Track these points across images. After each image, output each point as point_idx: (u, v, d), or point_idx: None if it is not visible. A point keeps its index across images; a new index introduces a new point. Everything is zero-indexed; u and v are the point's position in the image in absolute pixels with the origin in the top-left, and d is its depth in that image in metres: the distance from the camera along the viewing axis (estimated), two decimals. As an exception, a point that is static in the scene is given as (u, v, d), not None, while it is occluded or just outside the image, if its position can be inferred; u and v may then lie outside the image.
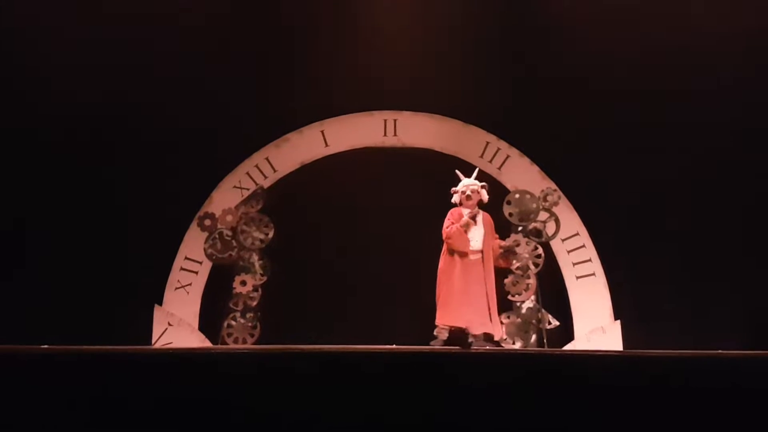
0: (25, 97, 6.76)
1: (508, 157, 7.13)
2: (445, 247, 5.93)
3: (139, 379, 4.23)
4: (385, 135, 7.26)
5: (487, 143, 7.16)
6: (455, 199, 6.15)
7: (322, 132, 7.23)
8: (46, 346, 4.85)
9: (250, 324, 6.68)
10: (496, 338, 5.95)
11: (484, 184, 6.16)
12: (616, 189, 6.99)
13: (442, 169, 7.02)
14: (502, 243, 6.26)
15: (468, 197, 6.07)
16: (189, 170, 6.92)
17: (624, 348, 6.62)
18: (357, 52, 7.15)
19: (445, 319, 5.77)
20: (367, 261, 6.88)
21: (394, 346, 5.52)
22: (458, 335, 5.76)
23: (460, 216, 5.99)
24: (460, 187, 6.16)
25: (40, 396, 4.09)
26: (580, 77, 7.06)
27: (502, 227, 6.41)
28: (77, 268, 6.66)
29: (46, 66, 6.77)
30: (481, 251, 5.92)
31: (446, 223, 5.95)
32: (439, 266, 5.92)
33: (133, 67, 6.87)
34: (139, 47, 6.87)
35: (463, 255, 5.85)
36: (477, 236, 5.94)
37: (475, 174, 6.25)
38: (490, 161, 7.13)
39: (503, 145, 7.16)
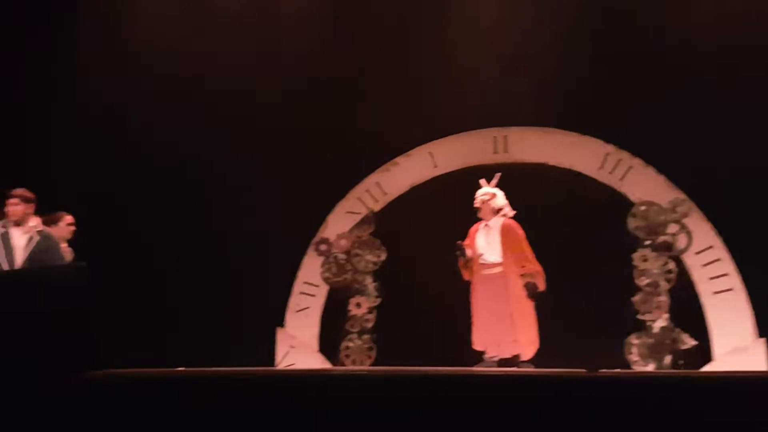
0: (139, 124, 6.50)
1: (630, 167, 6.10)
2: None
3: (269, 400, 3.76)
4: (495, 152, 6.42)
5: (607, 154, 6.16)
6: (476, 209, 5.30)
7: (431, 153, 6.54)
8: (182, 369, 4.55)
9: (366, 345, 6.15)
10: (524, 359, 4.92)
11: (494, 192, 5.24)
12: (753, 195, 5.69)
13: (558, 183, 6.14)
14: (524, 273, 5.05)
15: (478, 209, 5.18)
16: (305, 197, 6.47)
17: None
18: (460, 72, 6.38)
19: (473, 342, 4.96)
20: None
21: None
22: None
23: (474, 233, 5.16)
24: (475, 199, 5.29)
25: (177, 417, 3.70)
26: (703, 76, 5.86)
27: (626, 242, 5.36)
28: (206, 294, 6.38)
29: (155, 88, 6.47)
30: (501, 263, 4.97)
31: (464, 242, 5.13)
32: None
33: (243, 93, 6.41)
34: (245, 72, 6.46)
35: (480, 271, 4.90)
36: (492, 248, 4.95)
37: (494, 181, 5.31)
38: (611, 172, 6.12)
39: (624, 155, 6.12)
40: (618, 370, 4.77)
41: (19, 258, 4.44)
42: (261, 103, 6.42)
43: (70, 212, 5.24)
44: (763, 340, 5.61)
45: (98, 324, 3.60)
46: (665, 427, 3.25)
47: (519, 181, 6.24)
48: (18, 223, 4.44)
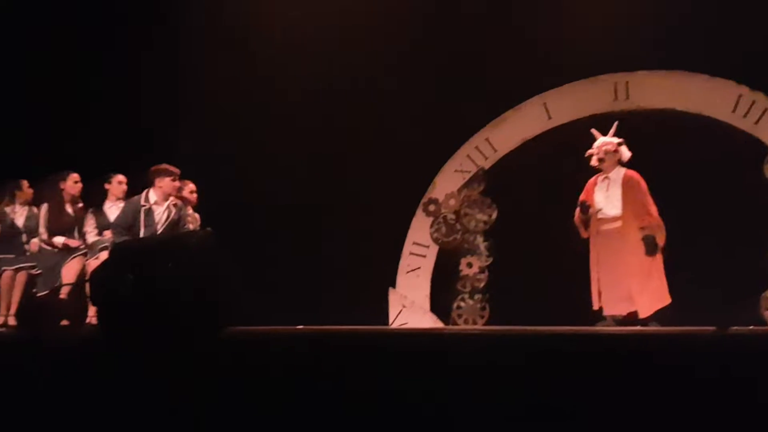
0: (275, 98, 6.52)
1: (766, 110, 5.52)
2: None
3: (385, 358, 3.80)
4: (615, 99, 6.02)
5: (740, 96, 5.61)
6: (593, 162, 4.87)
7: (545, 104, 6.22)
8: (301, 327, 4.71)
9: (479, 305, 6.04)
10: (642, 316, 4.53)
11: (621, 140, 4.83)
12: None
13: (686, 130, 5.68)
14: (644, 226, 4.69)
15: (601, 160, 4.74)
16: (412, 157, 6.37)
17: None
18: (573, 15, 6.00)
19: (593, 301, 4.68)
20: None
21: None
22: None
23: (592, 186, 4.76)
24: (594, 148, 4.84)
25: (296, 374, 3.84)
26: None
27: (758, 188, 4.87)
28: (319, 257, 6.47)
29: (286, 65, 6.43)
30: (620, 217, 4.59)
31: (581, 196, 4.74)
32: None
33: (354, 56, 6.22)
34: (355, 35, 6.36)
35: (598, 226, 4.65)
36: (612, 202, 4.65)
37: (612, 130, 4.87)
38: (744, 116, 5.58)
39: (759, 97, 5.55)
40: (752, 327, 4.36)
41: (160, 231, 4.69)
42: (371, 64, 6.31)
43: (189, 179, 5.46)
44: None
45: (226, 285, 3.74)
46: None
47: (642, 129, 5.83)
48: (165, 199, 4.68)
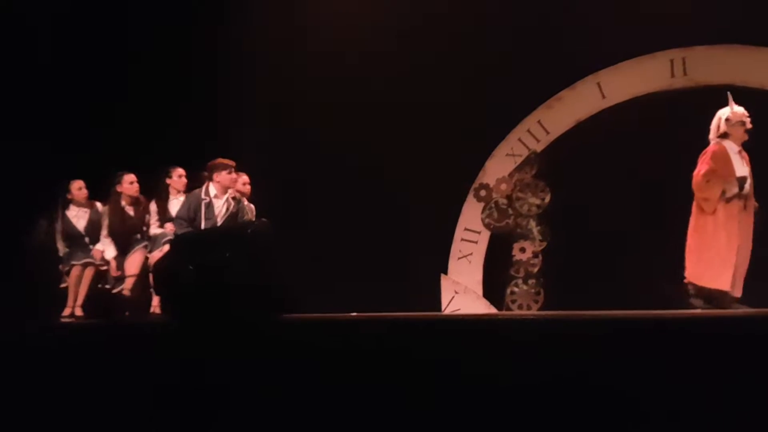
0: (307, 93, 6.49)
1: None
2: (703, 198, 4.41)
3: (437, 343, 3.84)
4: (672, 76, 5.88)
5: (806, 68, 5.40)
6: (724, 128, 4.52)
7: (598, 84, 6.10)
8: (354, 314, 4.77)
9: (533, 290, 6.00)
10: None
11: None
12: None
13: (747, 105, 5.50)
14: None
15: (747, 131, 4.47)
16: (463, 143, 6.35)
17: None
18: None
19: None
20: (651, 222, 5.62)
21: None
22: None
23: (727, 157, 4.40)
24: (737, 115, 4.55)
25: (350, 359, 3.92)
26: None
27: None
28: (370, 244, 6.52)
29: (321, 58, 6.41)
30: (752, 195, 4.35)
31: (703, 167, 4.41)
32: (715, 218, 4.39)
33: (395, 37, 6.16)
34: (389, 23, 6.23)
35: (745, 202, 4.34)
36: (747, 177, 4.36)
37: (731, 101, 4.60)
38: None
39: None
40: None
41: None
42: (425, 49, 6.23)
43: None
44: None
45: (282, 272, 3.84)
46: None
47: (703, 106, 5.68)
48: (224, 192, 4.79)
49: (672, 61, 5.82)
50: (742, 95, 5.53)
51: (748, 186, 4.31)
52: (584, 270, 5.78)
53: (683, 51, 5.78)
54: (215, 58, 6.39)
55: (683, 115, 5.73)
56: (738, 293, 4.40)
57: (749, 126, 4.42)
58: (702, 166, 4.37)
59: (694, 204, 4.56)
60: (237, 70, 6.38)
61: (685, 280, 4.58)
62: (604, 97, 5.98)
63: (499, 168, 6.19)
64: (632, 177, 5.78)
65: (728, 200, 4.31)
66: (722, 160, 4.31)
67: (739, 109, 4.59)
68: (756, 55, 5.54)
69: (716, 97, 5.66)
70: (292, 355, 3.24)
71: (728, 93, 4.76)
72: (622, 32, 5.85)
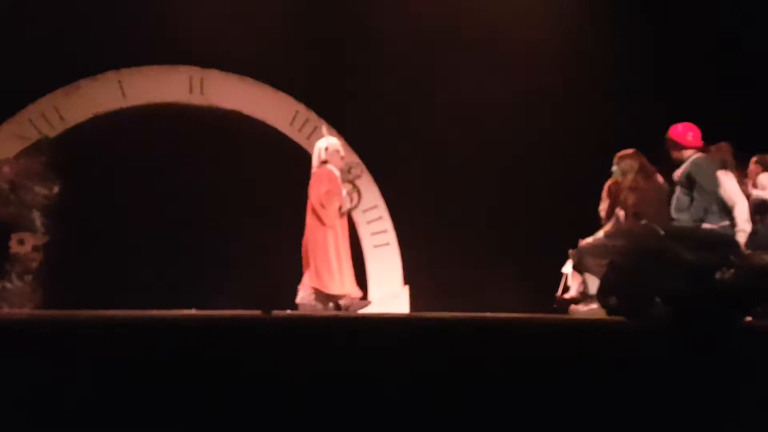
0: None
1: (316, 128, 6.66)
2: (326, 213, 5.15)
3: None
4: (191, 92, 6.37)
5: (297, 112, 6.62)
6: (325, 156, 5.30)
7: (119, 82, 6.15)
8: None
9: (29, 288, 5.55)
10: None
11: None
12: (415, 167, 6.75)
13: (250, 132, 6.42)
14: None
15: (342, 157, 5.37)
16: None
17: (410, 311, 6.53)
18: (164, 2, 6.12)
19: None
20: (164, 221, 5.98)
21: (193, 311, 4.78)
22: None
23: (334, 179, 5.24)
24: (333, 145, 5.33)
25: None
26: (394, 56, 6.62)
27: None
28: None
29: None
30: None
31: (322, 188, 5.15)
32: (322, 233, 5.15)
33: None
34: None
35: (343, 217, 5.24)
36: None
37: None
38: (300, 130, 6.61)
39: (312, 115, 6.63)
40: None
41: None
42: None
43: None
44: (407, 287, 6.78)
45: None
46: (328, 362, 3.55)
47: (212, 126, 6.36)
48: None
49: (191, 78, 6.31)
50: (249, 123, 6.45)
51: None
52: (88, 268, 5.71)
53: (203, 71, 6.35)
54: None
55: (195, 130, 6.32)
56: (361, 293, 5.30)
57: (343, 154, 5.38)
58: (320, 187, 5.13)
59: (310, 219, 5.16)
60: None
61: (310, 288, 5.14)
62: (124, 96, 6.08)
63: (3, 148, 5.59)
64: (144, 178, 6.03)
65: (342, 215, 5.25)
66: (334, 181, 5.09)
67: (334, 140, 5.44)
68: (262, 91, 6.50)
69: (227, 120, 6.45)
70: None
71: (322, 126, 5.58)
72: (152, 37, 6.06)
